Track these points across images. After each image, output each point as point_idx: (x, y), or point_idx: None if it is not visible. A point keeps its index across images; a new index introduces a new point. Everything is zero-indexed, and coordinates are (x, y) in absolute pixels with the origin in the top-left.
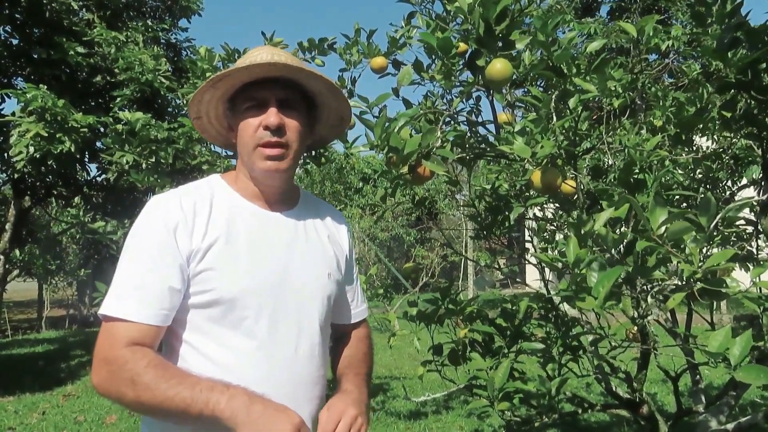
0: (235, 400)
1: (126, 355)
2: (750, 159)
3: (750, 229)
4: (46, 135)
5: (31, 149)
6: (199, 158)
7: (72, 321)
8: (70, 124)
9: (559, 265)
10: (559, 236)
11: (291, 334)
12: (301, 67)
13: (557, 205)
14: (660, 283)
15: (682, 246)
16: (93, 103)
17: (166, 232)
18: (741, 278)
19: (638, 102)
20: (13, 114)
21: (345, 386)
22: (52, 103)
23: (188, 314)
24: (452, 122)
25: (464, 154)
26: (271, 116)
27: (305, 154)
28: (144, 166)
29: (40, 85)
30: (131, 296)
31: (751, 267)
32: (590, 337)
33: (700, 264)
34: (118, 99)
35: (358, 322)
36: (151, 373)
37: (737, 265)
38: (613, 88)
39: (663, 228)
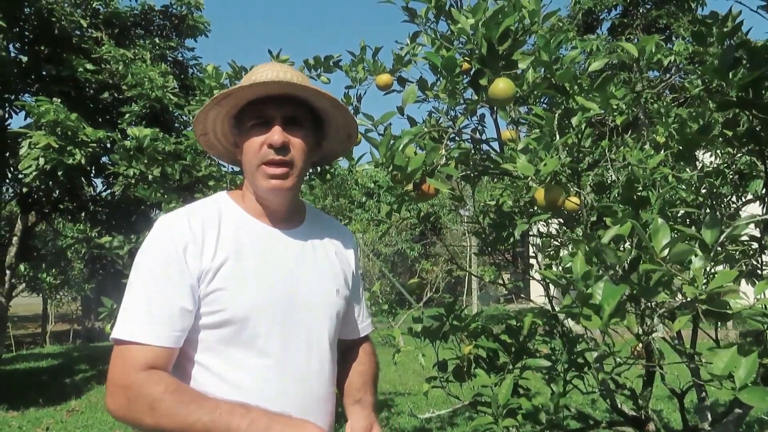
0: (255, 424)
1: (142, 380)
2: (754, 174)
3: (755, 245)
4: (57, 146)
5: (42, 161)
6: (204, 171)
7: (76, 336)
8: (80, 138)
9: (563, 281)
10: (563, 252)
11: (302, 352)
12: (304, 85)
13: (561, 221)
14: (664, 303)
15: (685, 265)
16: (100, 119)
17: (176, 252)
18: (746, 293)
19: (642, 117)
20: (23, 128)
21: (365, 403)
22: (65, 116)
23: (199, 334)
24: (456, 139)
25: (468, 172)
26: (275, 134)
27: (311, 171)
28: (150, 178)
29: (54, 99)
30: (143, 319)
31: (757, 283)
32: (595, 354)
33: (704, 284)
34: (127, 115)
35: (365, 336)
36: (169, 399)
37: (744, 280)
38: (615, 106)
39: (666, 250)
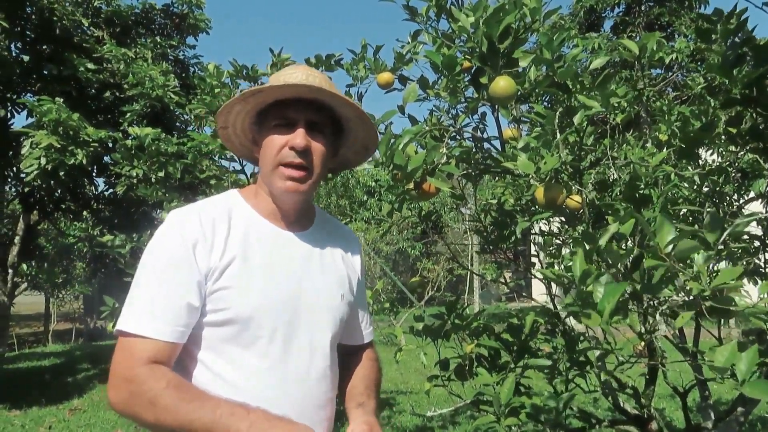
0: (255, 427)
1: (145, 374)
2: (757, 173)
3: (757, 243)
4: (59, 146)
5: (43, 161)
6: (207, 172)
7: (78, 334)
8: (82, 138)
9: (565, 281)
10: (565, 251)
11: (303, 355)
12: (334, 93)
13: (563, 219)
14: (667, 299)
15: (689, 262)
16: (102, 119)
17: (185, 248)
18: (749, 292)
19: (643, 115)
20: (24, 128)
21: (368, 407)
22: (66, 116)
23: (202, 332)
24: (458, 138)
25: (469, 170)
26: (298, 137)
27: None
28: (153, 179)
29: (56, 99)
30: (148, 312)
31: (759, 281)
32: (597, 352)
33: (708, 281)
34: (128, 114)
35: (368, 342)
36: (171, 395)
37: (746, 279)
38: (616, 104)
39: (671, 246)
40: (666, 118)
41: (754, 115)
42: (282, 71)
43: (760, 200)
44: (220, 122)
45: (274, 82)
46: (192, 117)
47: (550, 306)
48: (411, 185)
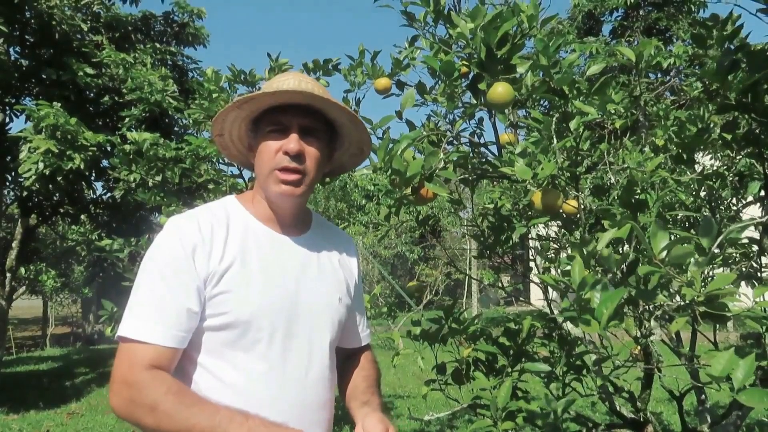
0: None
1: (146, 380)
2: (755, 176)
3: (755, 247)
4: (57, 151)
5: (41, 165)
6: (205, 176)
7: (76, 338)
8: (80, 142)
9: (562, 285)
10: (562, 255)
11: (302, 357)
12: (325, 98)
13: (560, 224)
14: (662, 305)
15: (684, 267)
16: (100, 123)
17: (184, 254)
18: (747, 295)
19: (641, 119)
20: (22, 132)
21: (374, 404)
22: (64, 120)
23: (202, 336)
24: (455, 143)
25: (467, 175)
26: (292, 142)
27: None
28: (151, 183)
29: (54, 103)
30: (149, 318)
31: (756, 285)
32: (593, 356)
33: (702, 287)
34: (127, 119)
35: (366, 345)
36: (171, 401)
37: (743, 282)
38: (613, 111)
39: (665, 252)
40: (663, 122)
41: (749, 120)
42: (275, 79)
43: (757, 204)
44: (216, 130)
45: (268, 89)
46: (191, 122)
47: (547, 310)
48: (409, 190)
